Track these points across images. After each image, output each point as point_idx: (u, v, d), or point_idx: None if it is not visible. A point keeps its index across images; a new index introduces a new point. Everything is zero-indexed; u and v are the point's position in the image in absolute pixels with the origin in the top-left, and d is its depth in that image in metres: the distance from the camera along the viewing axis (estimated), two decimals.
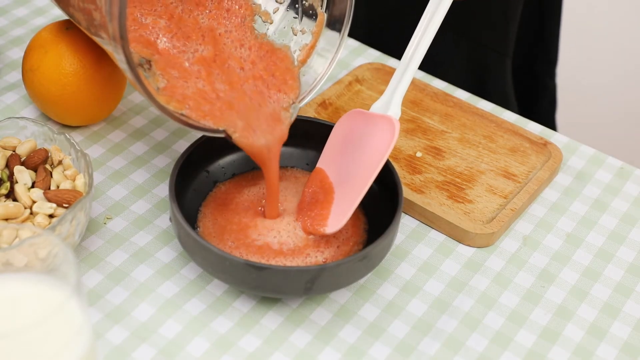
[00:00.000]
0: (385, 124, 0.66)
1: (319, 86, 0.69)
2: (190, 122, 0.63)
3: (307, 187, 0.68)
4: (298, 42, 0.71)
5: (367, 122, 0.68)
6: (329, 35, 0.70)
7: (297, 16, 0.72)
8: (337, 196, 0.66)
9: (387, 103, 0.68)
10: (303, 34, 0.71)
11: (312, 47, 0.70)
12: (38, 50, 0.74)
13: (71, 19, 0.69)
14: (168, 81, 0.64)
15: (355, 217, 0.68)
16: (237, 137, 0.64)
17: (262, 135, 0.65)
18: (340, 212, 0.64)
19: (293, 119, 0.67)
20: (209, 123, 0.64)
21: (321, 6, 0.70)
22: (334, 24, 0.70)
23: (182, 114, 0.63)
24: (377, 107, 0.68)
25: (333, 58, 0.70)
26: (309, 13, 0.71)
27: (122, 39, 0.57)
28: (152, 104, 0.60)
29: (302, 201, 0.68)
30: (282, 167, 0.72)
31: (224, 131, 0.64)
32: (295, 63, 0.70)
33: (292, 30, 0.71)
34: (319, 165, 0.69)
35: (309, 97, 0.69)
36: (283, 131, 0.66)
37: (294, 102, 0.68)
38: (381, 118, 0.66)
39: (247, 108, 0.66)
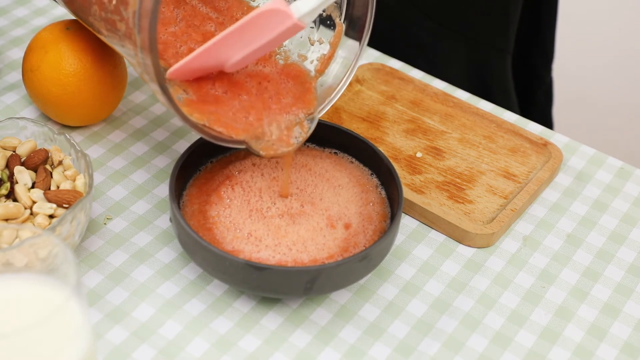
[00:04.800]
0: (274, 4, 0.59)
1: (337, 97, 0.69)
2: (213, 133, 0.63)
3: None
4: (315, 52, 0.71)
5: None
6: (347, 44, 0.69)
7: (314, 26, 0.71)
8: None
9: None
10: (320, 44, 0.71)
11: (330, 57, 0.70)
12: (38, 51, 0.74)
13: (89, 28, 0.68)
14: (197, 96, 0.65)
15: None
16: (258, 149, 0.64)
17: (281, 146, 0.65)
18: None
19: (311, 131, 0.67)
20: (231, 135, 0.64)
21: (339, 16, 0.70)
22: (352, 32, 0.69)
23: (204, 125, 0.63)
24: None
25: (352, 68, 0.69)
26: (327, 23, 0.71)
27: (152, 52, 0.57)
28: (176, 115, 0.60)
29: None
30: None
31: (244, 142, 0.64)
32: (312, 74, 0.70)
33: (309, 40, 0.71)
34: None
35: (327, 108, 0.68)
36: (300, 142, 0.66)
37: (311, 114, 0.68)
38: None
39: (267, 122, 0.66)
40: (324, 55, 0.70)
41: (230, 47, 0.62)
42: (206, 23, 0.70)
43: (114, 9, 0.61)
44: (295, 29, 0.61)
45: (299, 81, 0.69)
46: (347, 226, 0.66)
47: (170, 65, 0.66)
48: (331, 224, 0.66)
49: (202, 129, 0.62)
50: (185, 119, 0.61)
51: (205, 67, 0.65)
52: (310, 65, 0.70)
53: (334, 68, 0.70)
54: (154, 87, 0.59)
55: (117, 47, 0.64)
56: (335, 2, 0.69)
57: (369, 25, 0.68)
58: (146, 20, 0.56)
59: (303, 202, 0.68)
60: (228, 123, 0.64)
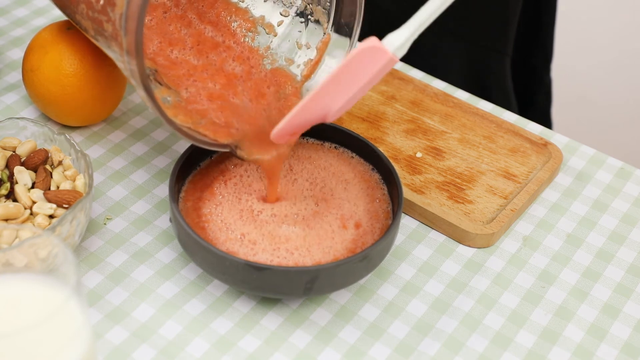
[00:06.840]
0: (366, 43, 0.58)
1: None
2: (197, 136, 0.63)
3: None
4: (302, 57, 0.71)
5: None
6: (336, 46, 0.69)
7: (302, 30, 0.71)
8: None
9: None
10: (308, 48, 0.71)
11: (317, 63, 0.70)
12: (38, 51, 0.74)
13: (76, 26, 0.68)
14: (183, 98, 0.65)
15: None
16: (242, 153, 0.64)
17: (266, 152, 0.65)
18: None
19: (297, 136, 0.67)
20: (216, 138, 0.64)
21: (327, 21, 0.69)
22: (340, 32, 0.69)
23: (188, 127, 0.63)
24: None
25: None
26: (315, 27, 0.70)
27: (137, 56, 0.56)
28: (161, 118, 0.60)
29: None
30: None
31: (229, 146, 0.64)
32: (299, 78, 0.69)
33: (297, 44, 0.71)
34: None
35: None
36: (286, 149, 0.66)
37: None
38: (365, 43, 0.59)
39: (252, 126, 0.66)
40: (311, 60, 0.70)
41: (330, 96, 0.61)
42: (218, 52, 0.69)
43: (101, 9, 0.60)
44: (390, 63, 0.59)
45: (285, 86, 0.69)
46: (357, 225, 0.66)
47: (168, 78, 0.66)
48: (343, 224, 0.66)
49: (187, 132, 0.62)
50: (169, 121, 0.60)
51: (308, 121, 0.63)
52: (297, 70, 0.70)
53: (321, 73, 0.70)
54: (140, 92, 0.59)
55: (104, 48, 0.63)
56: (324, 8, 0.69)
57: (356, 32, 0.67)
58: (133, 22, 0.55)
59: (317, 199, 0.67)
60: (214, 128, 0.64)
